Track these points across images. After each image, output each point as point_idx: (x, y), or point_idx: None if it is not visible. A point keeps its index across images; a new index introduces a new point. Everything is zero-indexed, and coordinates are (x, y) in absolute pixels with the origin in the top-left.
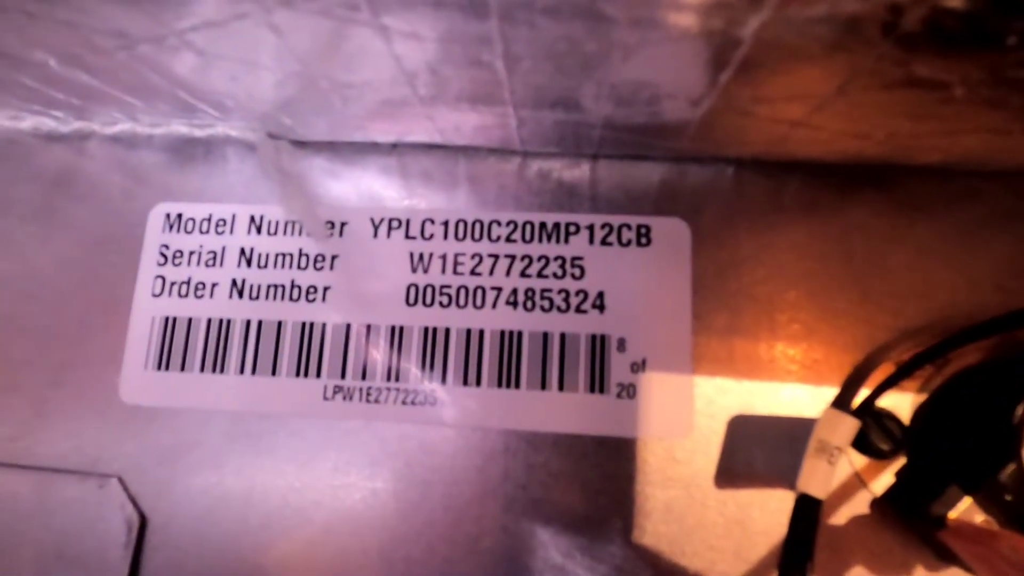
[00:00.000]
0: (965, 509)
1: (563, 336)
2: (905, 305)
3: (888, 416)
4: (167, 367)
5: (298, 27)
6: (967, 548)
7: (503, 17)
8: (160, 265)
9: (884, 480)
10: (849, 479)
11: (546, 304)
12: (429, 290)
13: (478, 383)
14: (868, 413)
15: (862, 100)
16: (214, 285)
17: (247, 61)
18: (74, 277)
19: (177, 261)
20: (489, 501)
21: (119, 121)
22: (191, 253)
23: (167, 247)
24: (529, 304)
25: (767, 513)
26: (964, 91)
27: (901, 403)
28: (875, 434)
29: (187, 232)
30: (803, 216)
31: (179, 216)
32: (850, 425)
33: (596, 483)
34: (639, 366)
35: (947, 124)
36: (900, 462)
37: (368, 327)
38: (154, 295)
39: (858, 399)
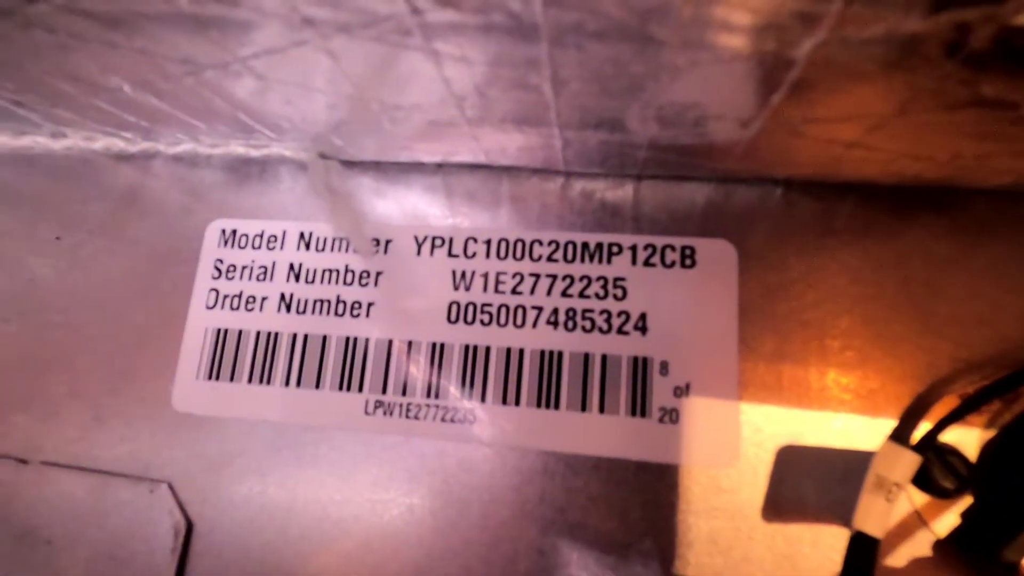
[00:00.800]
0: None
1: (604, 357)
2: (969, 334)
3: (952, 452)
4: (217, 377)
5: (353, 52)
6: None
7: (552, 41)
8: (214, 279)
9: (948, 521)
10: (909, 518)
11: (587, 324)
12: (470, 308)
13: (517, 403)
14: (930, 448)
15: (923, 121)
16: (264, 299)
17: (303, 85)
18: (136, 289)
19: (230, 275)
20: (526, 523)
21: (182, 142)
22: (243, 268)
23: (221, 261)
24: (570, 324)
25: (819, 550)
26: None
27: (966, 439)
28: (938, 471)
29: (240, 247)
30: (857, 239)
31: (234, 232)
32: (911, 460)
33: (636, 510)
34: (682, 390)
35: (1016, 145)
36: (966, 502)
37: (409, 343)
38: (208, 307)
39: (919, 433)
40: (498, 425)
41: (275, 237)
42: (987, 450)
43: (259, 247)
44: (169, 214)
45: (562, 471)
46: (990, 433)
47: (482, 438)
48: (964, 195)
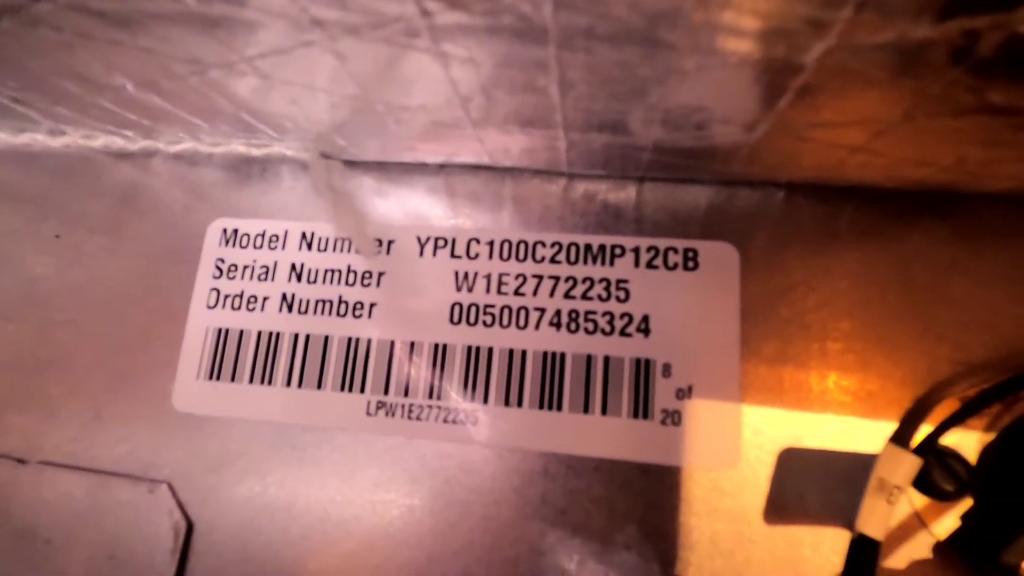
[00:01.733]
0: None
1: (607, 359)
2: (969, 338)
3: (952, 455)
4: (218, 377)
5: (360, 53)
6: None
7: (561, 44)
8: (215, 278)
9: (948, 523)
10: (909, 520)
11: (590, 326)
12: (473, 309)
13: (519, 404)
14: (930, 451)
15: (929, 126)
16: (265, 299)
17: (308, 85)
18: (137, 288)
19: (231, 275)
20: (527, 524)
21: (183, 140)
22: (245, 267)
23: (222, 261)
24: (573, 326)
25: (820, 552)
26: None
27: (966, 442)
28: (938, 474)
29: (242, 247)
30: (859, 243)
31: (235, 231)
32: (911, 463)
33: (638, 512)
34: (684, 392)
35: (1021, 151)
36: (966, 504)
37: (412, 344)
38: (208, 307)
39: (919, 436)
40: (500, 427)
41: (276, 237)
42: (987, 453)
43: (260, 247)
44: (169, 213)
45: (564, 473)
46: (990, 436)
47: (484, 439)
48: (967, 200)
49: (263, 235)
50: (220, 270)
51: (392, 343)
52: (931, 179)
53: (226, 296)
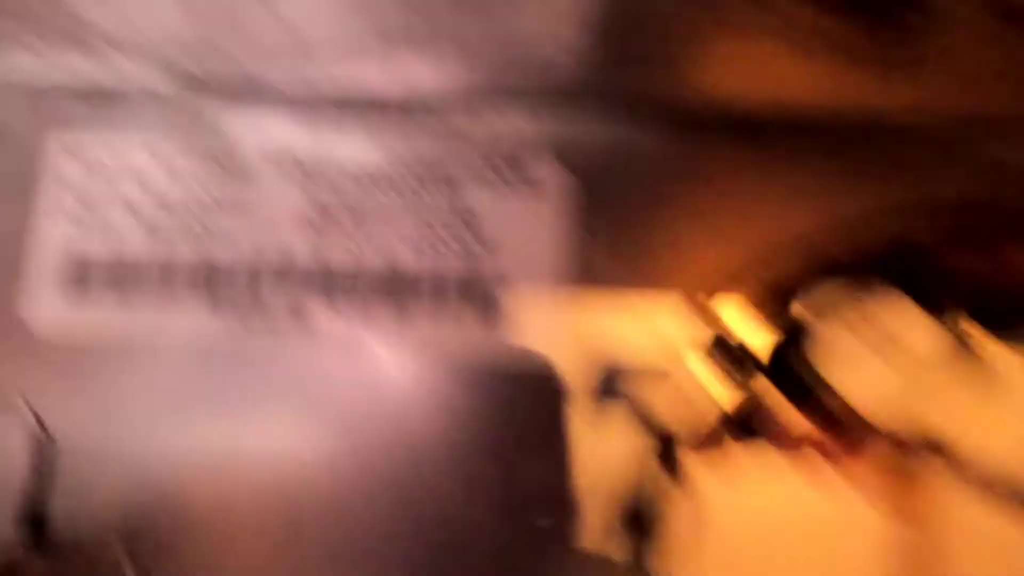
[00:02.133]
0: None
1: (456, 276)
2: (767, 248)
3: (743, 350)
4: (75, 302)
5: None
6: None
7: None
8: (62, 199)
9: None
10: (704, 410)
11: (440, 246)
12: (330, 233)
13: (382, 323)
14: (722, 347)
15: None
16: (117, 222)
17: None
18: None
19: (79, 196)
20: (438, 451)
21: (23, 61)
22: (93, 189)
23: (68, 181)
24: (426, 248)
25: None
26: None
27: (757, 339)
28: (729, 367)
29: (91, 170)
30: (674, 166)
31: (82, 153)
32: (705, 360)
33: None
34: (523, 300)
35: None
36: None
37: (275, 269)
38: (57, 228)
39: (713, 334)
40: (369, 345)
41: (126, 158)
42: (775, 349)
43: (111, 167)
44: (10, 134)
45: (462, 395)
46: (773, 335)
47: (354, 357)
48: (769, 126)
49: (113, 158)
50: (67, 191)
51: (255, 267)
52: (740, 106)
53: (75, 218)
